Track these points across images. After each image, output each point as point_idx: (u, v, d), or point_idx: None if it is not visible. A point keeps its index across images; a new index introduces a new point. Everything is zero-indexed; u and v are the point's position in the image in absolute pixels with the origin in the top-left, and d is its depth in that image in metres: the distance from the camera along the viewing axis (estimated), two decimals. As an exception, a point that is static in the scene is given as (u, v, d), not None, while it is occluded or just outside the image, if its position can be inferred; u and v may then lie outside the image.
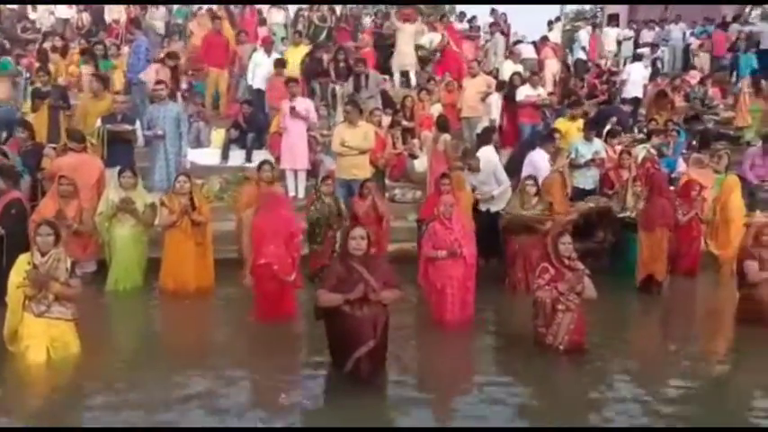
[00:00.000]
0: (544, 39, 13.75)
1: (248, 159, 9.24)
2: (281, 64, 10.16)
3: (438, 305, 5.74)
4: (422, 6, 14.82)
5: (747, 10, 21.10)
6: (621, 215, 7.31)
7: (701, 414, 4.32)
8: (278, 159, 8.86)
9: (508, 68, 11.13)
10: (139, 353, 5.25)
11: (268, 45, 10.43)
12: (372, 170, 8.31)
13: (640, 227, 6.88)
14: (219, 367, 4.78)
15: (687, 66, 15.89)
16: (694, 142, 10.73)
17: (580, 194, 8.24)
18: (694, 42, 16.24)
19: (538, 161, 7.50)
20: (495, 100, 9.78)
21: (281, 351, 5.19)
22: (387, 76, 12.89)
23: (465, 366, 5.21)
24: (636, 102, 11.51)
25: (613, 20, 20.13)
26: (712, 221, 8.43)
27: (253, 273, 5.78)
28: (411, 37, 12.31)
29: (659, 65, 16.36)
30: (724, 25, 16.94)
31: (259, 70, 10.08)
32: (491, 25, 15.80)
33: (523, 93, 10.06)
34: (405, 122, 10.25)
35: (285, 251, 5.67)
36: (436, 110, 10.78)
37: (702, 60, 15.91)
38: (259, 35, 13.45)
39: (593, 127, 8.62)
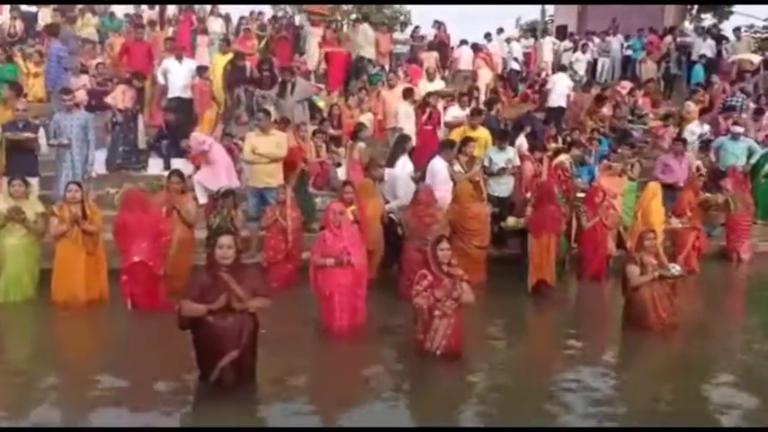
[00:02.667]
0: (477, 49, 13.91)
1: (167, 167, 9.11)
2: (204, 69, 10.10)
3: (326, 313, 5.73)
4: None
5: (687, 23, 21.81)
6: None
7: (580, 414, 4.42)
8: (197, 168, 8.82)
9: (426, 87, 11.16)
10: (18, 367, 5.11)
11: (179, 52, 10.32)
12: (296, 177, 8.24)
13: (530, 233, 7.00)
14: (103, 382, 4.73)
15: (627, 76, 16.30)
16: (620, 150, 10.92)
17: (496, 202, 8.36)
18: (643, 53, 16.61)
19: (435, 169, 7.56)
20: (405, 110, 9.83)
21: (167, 360, 5.11)
22: (321, 85, 13.00)
23: (342, 373, 5.18)
24: (560, 111, 11.70)
25: (561, 32, 20.51)
26: (633, 226, 8.65)
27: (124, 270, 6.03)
28: (316, 38, 13.54)
29: (599, 73, 16.83)
30: (663, 36, 17.40)
31: (172, 77, 9.98)
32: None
33: (452, 114, 10.14)
34: (331, 131, 10.26)
35: (155, 247, 6.07)
36: (366, 119, 10.82)
37: (648, 69, 16.29)
38: (200, 43, 13.46)
39: (504, 136, 8.70)
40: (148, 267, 6.07)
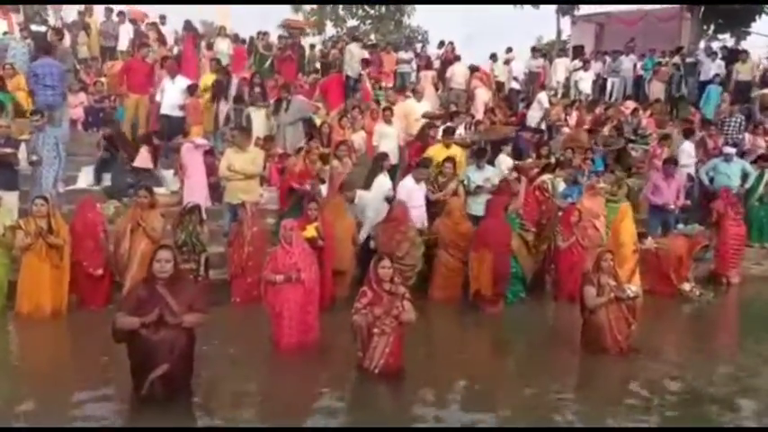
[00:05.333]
0: (475, 69, 13.89)
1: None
2: (195, 88, 10.30)
3: (276, 329, 5.71)
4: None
5: (702, 43, 21.43)
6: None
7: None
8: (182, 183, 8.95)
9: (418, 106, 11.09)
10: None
11: (172, 70, 10.51)
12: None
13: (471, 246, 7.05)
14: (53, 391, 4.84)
15: (638, 96, 16.08)
16: (615, 171, 10.74)
17: (474, 221, 8.27)
18: (651, 72, 16.41)
19: (406, 187, 7.55)
20: (381, 130, 9.83)
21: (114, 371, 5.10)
22: (319, 104, 13.10)
23: (280, 390, 5.13)
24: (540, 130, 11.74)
25: (578, 52, 20.30)
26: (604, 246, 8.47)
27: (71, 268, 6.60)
28: None
29: (609, 92, 16.63)
30: (672, 56, 17.12)
31: (165, 96, 10.15)
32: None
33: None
34: (320, 148, 10.30)
35: (95, 249, 6.66)
36: (359, 137, 10.86)
37: (655, 89, 16.05)
38: (207, 57, 13.74)
39: (482, 154, 8.63)
40: (83, 267, 6.58)
